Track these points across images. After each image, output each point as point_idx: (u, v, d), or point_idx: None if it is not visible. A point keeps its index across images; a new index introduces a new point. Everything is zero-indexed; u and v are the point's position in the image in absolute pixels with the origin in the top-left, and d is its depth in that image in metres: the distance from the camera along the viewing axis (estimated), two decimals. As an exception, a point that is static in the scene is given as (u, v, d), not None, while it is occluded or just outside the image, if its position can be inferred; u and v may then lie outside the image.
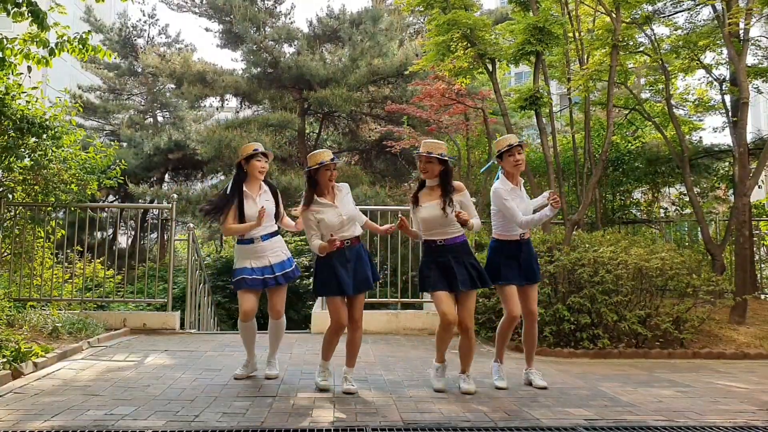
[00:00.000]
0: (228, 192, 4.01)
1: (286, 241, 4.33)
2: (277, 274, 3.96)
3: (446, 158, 3.73)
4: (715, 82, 8.60)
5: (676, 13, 9.09)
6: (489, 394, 3.77)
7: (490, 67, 7.42)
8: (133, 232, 17.76)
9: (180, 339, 5.76)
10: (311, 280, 4.12)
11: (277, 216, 4.12)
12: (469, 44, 7.21)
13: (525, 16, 7.40)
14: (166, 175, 18.99)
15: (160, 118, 20.94)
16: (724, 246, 7.22)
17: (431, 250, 3.78)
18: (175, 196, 7.10)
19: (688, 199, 8.57)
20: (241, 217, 3.95)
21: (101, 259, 8.05)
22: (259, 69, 16.63)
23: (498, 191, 3.90)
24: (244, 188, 4.01)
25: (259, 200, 3.99)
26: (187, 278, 6.70)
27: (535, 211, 4.01)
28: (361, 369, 4.41)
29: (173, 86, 18.36)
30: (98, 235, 11.83)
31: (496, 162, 4.06)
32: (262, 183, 4.09)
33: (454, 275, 3.67)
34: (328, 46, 17.42)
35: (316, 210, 3.73)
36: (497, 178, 4.04)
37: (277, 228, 4.12)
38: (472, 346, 3.82)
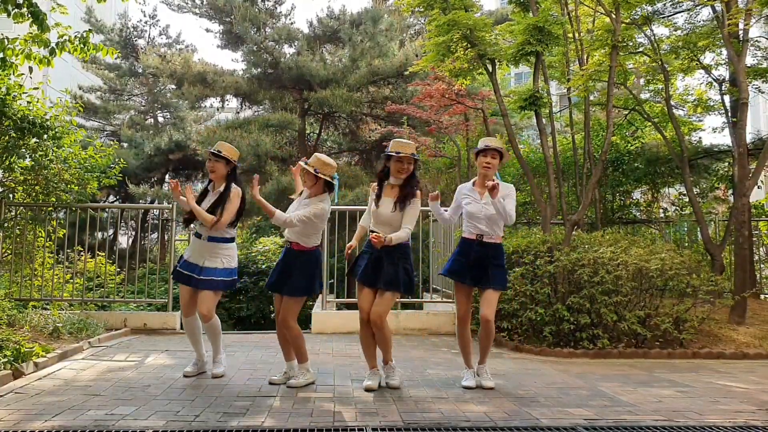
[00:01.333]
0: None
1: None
2: (200, 276, 3.94)
3: (417, 158, 3.86)
4: (714, 83, 8.61)
5: (676, 13, 9.10)
6: (489, 394, 3.78)
7: (490, 67, 7.43)
8: (133, 233, 17.77)
9: (180, 339, 5.77)
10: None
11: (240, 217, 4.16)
12: (469, 45, 7.22)
13: (525, 17, 7.40)
14: (167, 176, 19.02)
15: (160, 119, 20.97)
16: (724, 246, 7.22)
17: (370, 242, 3.81)
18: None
19: (687, 199, 8.59)
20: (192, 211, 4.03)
21: (103, 254, 8.07)
22: (259, 69, 16.65)
23: (458, 189, 4.13)
24: (209, 188, 4.16)
25: (208, 198, 4.07)
26: (188, 278, 6.70)
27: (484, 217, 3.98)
28: (361, 369, 4.42)
29: (174, 87, 18.39)
30: (99, 235, 11.85)
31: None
32: (231, 185, 4.04)
33: (377, 273, 3.74)
34: (328, 46, 17.45)
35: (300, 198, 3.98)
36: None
37: (230, 236, 4.06)
38: (384, 339, 3.81)
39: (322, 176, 3.79)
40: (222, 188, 4.05)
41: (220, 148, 4.07)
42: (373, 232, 3.79)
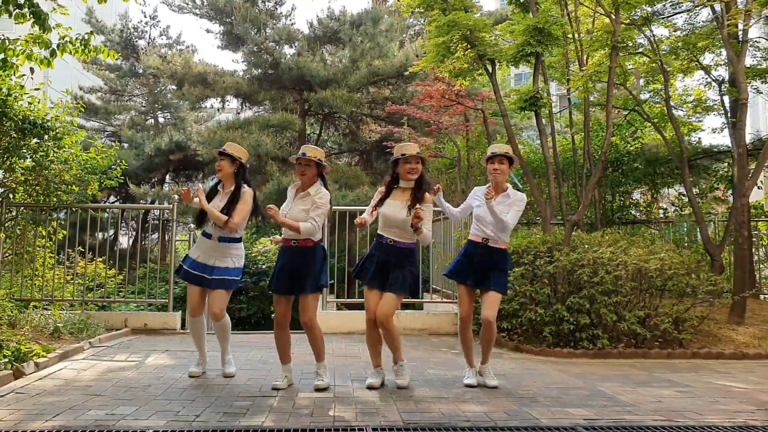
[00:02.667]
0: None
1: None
2: (213, 276, 3.96)
3: (423, 156, 3.86)
4: (714, 83, 8.62)
5: (676, 14, 9.11)
6: (488, 394, 3.79)
7: (489, 68, 7.44)
8: (134, 233, 17.77)
9: (181, 339, 5.78)
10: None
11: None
12: (469, 45, 7.23)
13: (525, 18, 7.41)
14: (167, 176, 19.04)
15: (161, 119, 20.98)
16: (723, 246, 7.23)
17: (381, 245, 3.83)
18: (176, 197, 7.11)
19: (687, 199, 8.59)
20: (204, 211, 4.01)
21: (102, 258, 8.07)
22: (259, 70, 16.67)
23: (474, 190, 4.14)
24: (218, 187, 4.13)
25: (218, 198, 4.04)
26: (188, 279, 6.71)
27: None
28: (361, 369, 4.43)
29: (174, 87, 18.41)
30: (99, 235, 11.86)
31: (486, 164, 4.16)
32: (241, 185, 4.04)
33: (386, 277, 3.75)
34: (328, 47, 17.46)
35: (291, 194, 3.90)
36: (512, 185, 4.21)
37: (239, 236, 4.09)
38: (393, 339, 3.83)
39: (324, 163, 3.83)
40: (232, 188, 4.04)
41: (226, 146, 4.10)
42: (382, 234, 3.82)
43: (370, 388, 3.81)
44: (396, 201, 3.82)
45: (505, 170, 3.98)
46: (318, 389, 3.75)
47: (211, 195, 4.10)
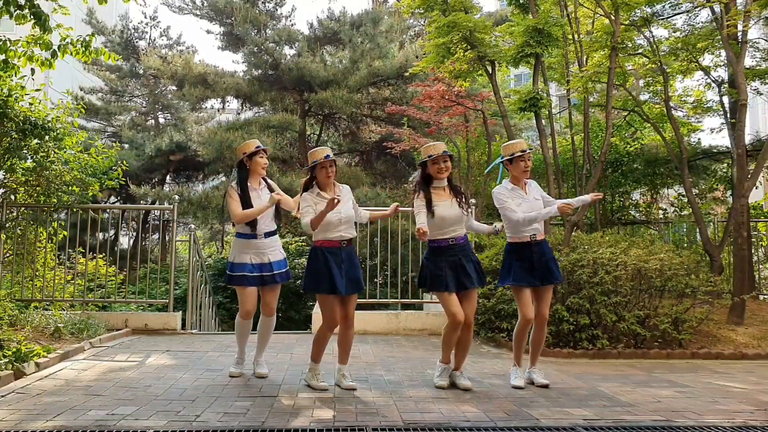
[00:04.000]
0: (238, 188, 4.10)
1: (286, 242, 4.38)
2: (274, 272, 4.06)
3: (451, 154, 3.95)
4: (713, 84, 8.64)
5: (675, 15, 9.13)
6: (488, 394, 3.80)
7: (489, 69, 7.45)
8: (134, 233, 17.77)
9: (181, 339, 5.79)
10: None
11: (278, 212, 4.20)
12: (469, 46, 7.25)
13: (524, 19, 7.43)
14: (168, 177, 19.01)
15: (161, 120, 20.98)
16: (723, 247, 7.24)
17: (442, 249, 3.84)
18: (177, 197, 7.14)
19: (686, 200, 8.60)
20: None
21: (103, 255, 8.08)
22: (260, 71, 16.67)
23: (496, 192, 4.05)
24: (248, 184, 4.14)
25: (262, 194, 4.11)
26: (189, 279, 6.74)
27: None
28: (361, 369, 4.44)
29: (175, 88, 18.40)
30: (100, 236, 11.87)
31: (502, 164, 4.16)
32: (262, 179, 4.21)
33: (467, 273, 3.81)
34: (328, 48, 17.46)
35: (318, 200, 3.75)
36: (500, 183, 4.17)
37: (276, 227, 4.20)
38: (470, 341, 3.99)
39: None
40: (265, 184, 4.17)
41: (259, 142, 4.19)
42: (441, 238, 3.84)
43: (441, 388, 3.85)
44: (442, 201, 3.84)
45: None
46: (353, 389, 3.78)
47: (246, 197, 4.03)
